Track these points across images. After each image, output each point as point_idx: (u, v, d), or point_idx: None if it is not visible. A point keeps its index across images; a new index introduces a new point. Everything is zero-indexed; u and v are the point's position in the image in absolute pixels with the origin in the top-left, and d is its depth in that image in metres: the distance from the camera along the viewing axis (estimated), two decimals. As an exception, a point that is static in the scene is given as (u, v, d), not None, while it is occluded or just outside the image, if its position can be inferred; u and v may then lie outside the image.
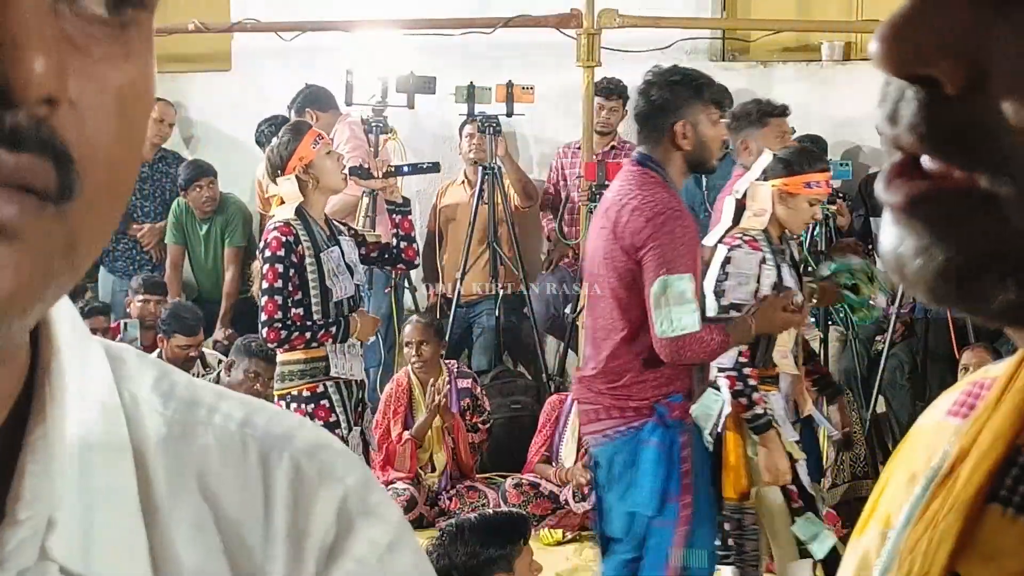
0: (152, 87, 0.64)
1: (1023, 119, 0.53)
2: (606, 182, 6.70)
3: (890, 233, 0.58)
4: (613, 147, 7.46)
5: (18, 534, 0.64)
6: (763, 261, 4.33)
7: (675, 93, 4.03)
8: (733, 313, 4.24)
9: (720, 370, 4.25)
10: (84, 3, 0.59)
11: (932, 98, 0.55)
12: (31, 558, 0.65)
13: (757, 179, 4.46)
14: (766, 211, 4.39)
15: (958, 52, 0.54)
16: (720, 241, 4.43)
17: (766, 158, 4.49)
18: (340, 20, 7.54)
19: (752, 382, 4.26)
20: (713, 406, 4.25)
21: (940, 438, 0.75)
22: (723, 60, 7.97)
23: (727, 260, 4.33)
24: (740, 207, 4.49)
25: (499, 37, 7.49)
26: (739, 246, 4.34)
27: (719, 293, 4.32)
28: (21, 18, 0.55)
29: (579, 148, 7.36)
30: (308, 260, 4.60)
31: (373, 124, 6.81)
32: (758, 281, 4.32)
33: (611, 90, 7.41)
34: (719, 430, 4.23)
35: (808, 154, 4.69)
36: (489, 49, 7.58)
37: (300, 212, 4.64)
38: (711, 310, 4.27)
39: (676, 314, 3.81)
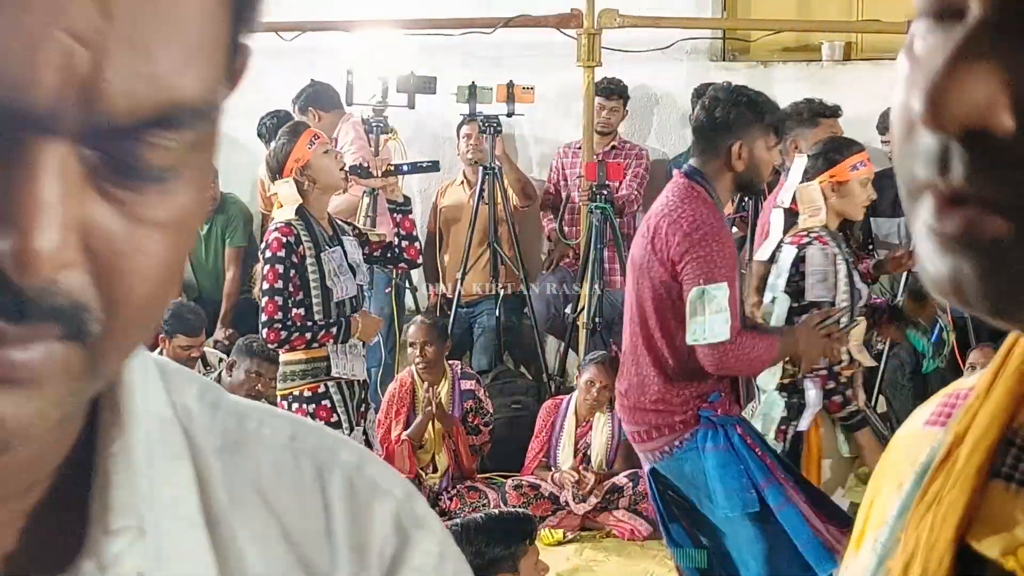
0: (204, 199, 0.62)
1: None
2: (606, 182, 6.72)
3: (943, 262, 0.59)
4: (613, 147, 7.46)
5: (115, 545, 0.65)
6: (835, 256, 4.34)
7: (738, 114, 4.04)
8: (813, 311, 4.25)
9: (807, 371, 4.26)
10: (119, 159, 0.56)
11: (985, 147, 0.56)
12: (131, 568, 0.66)
13: (800, 183, 4.45)
14: (820, 209, 4.39)
15: (1007, 102, 0.55)
16: (783, 242, 4.42)
17: (801, 162, 4.48)
18: (340, 20, 7.53)
19: (843, 379, 4.27)
20: (775, 410, 4.25)
21: (922, 444, 0.76)
22: (723, 60, 7.98)
23: (800, 259, 4.33)
24: (790, 215, 4.48)
25: (499, 37, 7.50)
26: (810, 243, 4.34)
27: (795, 293, 4.31)
28: (41, 185, 0.54)
29: (579, 148, 7.36)
30: (309, 260, 4.59)
31: (374, 124, 6.82)
32: (835, 276, 4.32)
33: (611, 90, 7.41)
34: (802, 430, 4.23)
35: (840, 140, 4.71)
36: (489, 49, 7.58)
37: (302, 212, 4.63)
38: (783, 311, 4.28)
39: (711, 322, 3.82)
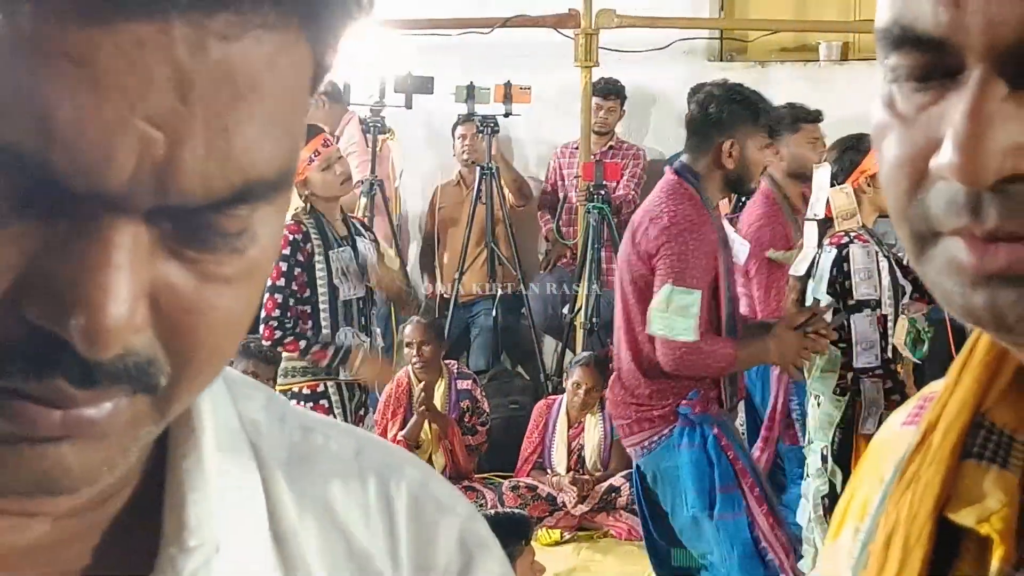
0: (277, 246, 0.62)
1: None
2: (603, 182, 6.72)
3: (978, 295, 0.63)
4: (611, 147, 7.46)
5: (191, 562, 0.66)
6: (877, 253, 4.32)
7: (731, 112, 4.03)
8: (867, 311, 4.23)
9: (862, 371, 4.24)
10: (192, 230, 0.57)
11: (1016, 189, 0.61)
12: None
13: (833, 189, 4.42)
14: (855, 211, 4.36)
15: None
16: (823, 243, 4.39)
17: (823, 172, 4.45)
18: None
19: (901, 378, 4.26)
20: (834, 414, 4.23)
21: (900, 442, 0.81)
22: (721, 60, 7.98)
23: (842, 258, 4.30)
24: (824, 224, 4.45)
25: (497, 37, 7.48)
26: (851, 242, 4.31)
27: (840, 294, 4.28)
28: (112, 264, 0.54)
29: (577, 148, 7.36)
30: (317, 258, 4.58)
31: (371, 124, 6.82)
32: (879, 274, 4.30)
33: (609, 90, 7.41)
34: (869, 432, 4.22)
35: (851, 138, 4.70)
36: (487, 49, 7.57)
37: (313, 210, 4.63)
38: (830, 315, 4.26)
39: (675, 322, 3.82)
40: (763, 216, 5.48)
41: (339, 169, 4.73)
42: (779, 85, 7.25)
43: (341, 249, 4.65)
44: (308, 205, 4.64)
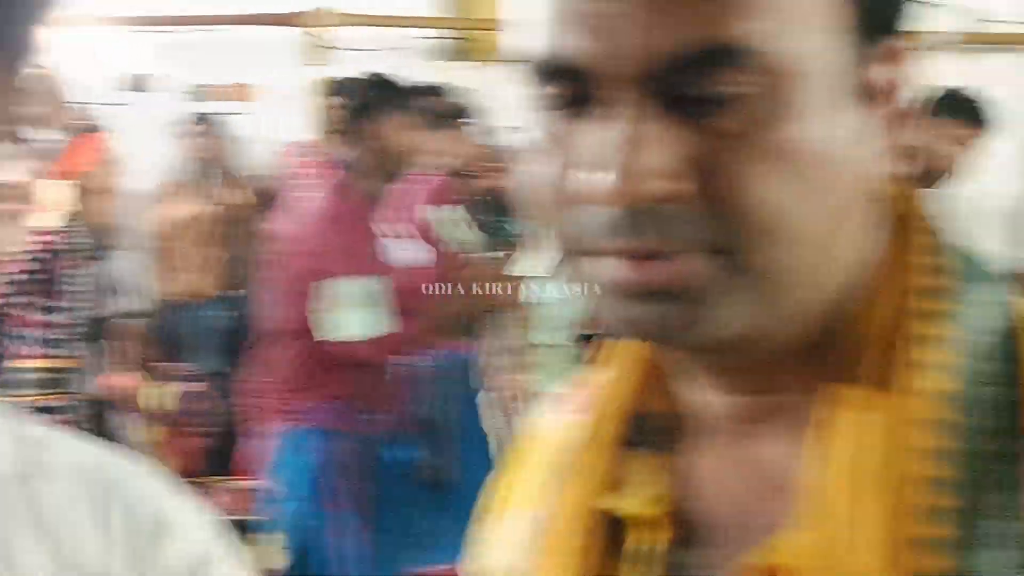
0: None
1: (745, 206, 0.63)
2: (329, 181, 6.72)
3: (636, 310, 0.67)
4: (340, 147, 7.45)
5: None
6: None
7: (369, 96, 4.01)
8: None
9: None
10: None
11: (668, 211, 0.63)
12: None
13: None
14: None
15: (685, 169, 0.63)
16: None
17: None
18: (59, 15, 7.32)
19: None
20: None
21: (565, 432, 0.84)
22: (453, 60, 8.04)
23: None
24: None
25: (226, 34, 7.40)
26: None
27: None
28: None
29: (305, 148, 7.33)
30: (70, 271, 4.39)
31: (89, 123, 6.67)
32: None
33: (338, 90, 7.39)
34: None
35: None
36: (216, 47, 7.47)
37: (80, 217, 4.45)
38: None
39: (344, 319, 3.79)
40: (436, 191, 5.35)
41: (110, 161, 4.60)
42: (511, 84, 7.34)
43: (99, 261, 4.48)
44: (77, 211, 4.45)
